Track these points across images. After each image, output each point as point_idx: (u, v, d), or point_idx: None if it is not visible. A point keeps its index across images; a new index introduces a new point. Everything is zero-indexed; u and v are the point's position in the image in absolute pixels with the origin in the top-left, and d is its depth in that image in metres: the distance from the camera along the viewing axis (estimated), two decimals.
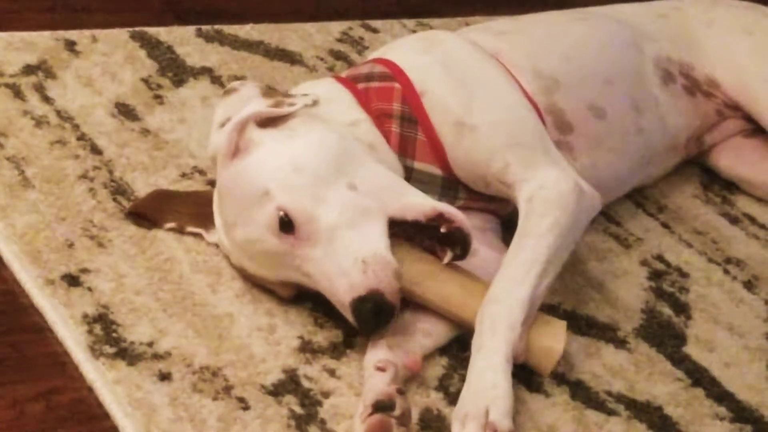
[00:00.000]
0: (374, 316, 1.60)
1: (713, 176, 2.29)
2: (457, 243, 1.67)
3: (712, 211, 2.20)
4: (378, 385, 1.59)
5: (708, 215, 2.19)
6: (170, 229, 1.86)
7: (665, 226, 2.13)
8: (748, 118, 2.22)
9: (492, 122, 1.82)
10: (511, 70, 1.94)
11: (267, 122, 1.74)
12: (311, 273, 1.65)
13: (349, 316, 1.62)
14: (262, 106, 1.75)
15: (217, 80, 2.29)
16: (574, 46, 2.07)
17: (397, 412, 1.55)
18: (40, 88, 2.16)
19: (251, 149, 1.71)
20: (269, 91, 1.84)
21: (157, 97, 2.21)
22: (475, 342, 1.64)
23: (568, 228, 1.74)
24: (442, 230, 1.66)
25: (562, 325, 1.69)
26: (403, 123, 1.82)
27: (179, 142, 2.09)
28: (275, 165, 1.68)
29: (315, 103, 1.78)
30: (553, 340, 1.67)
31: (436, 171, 1.83)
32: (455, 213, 1.67)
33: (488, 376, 1.59)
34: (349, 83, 1.88)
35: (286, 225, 1.64)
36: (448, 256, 1.69)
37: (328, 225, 1.64)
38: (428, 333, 1.73)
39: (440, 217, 1.67)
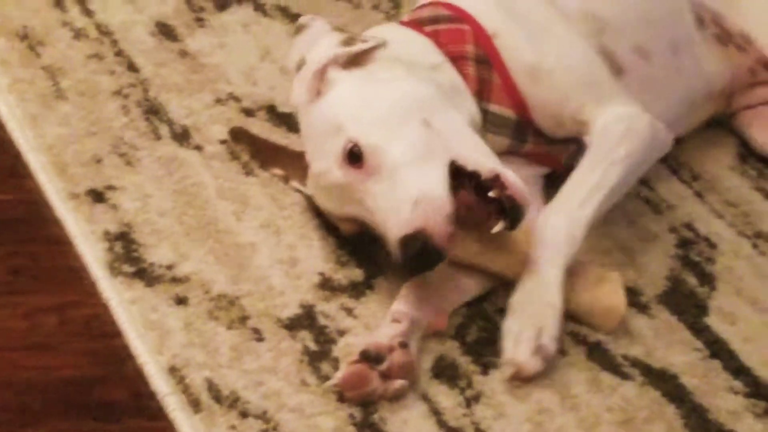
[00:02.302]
0: (418, 257, 1.55)
1: (751, 149, 2.26)
2: (508, 213, 1.61)
3: (747, 184, 2.17)
4: (380, 336, 1.59)
5: (742, 188, 2.15)
6: (276, 175, 1.85)
7: (698, 194, 2.09)
8: None
9: (565, 64, 1.82)
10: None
11: (348, 62, 1.72)
12: (371, 208, 1.62)
13: (396, 254, 1.58)
14: (334, 46, 1.72)
15: (260, 8, 2.26)
16: None
17: (383, 366, 1.55)
18: (81, 0, 2.15)
19: (330, 89, 1.70)
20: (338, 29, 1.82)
21: (199, 19, 2.19)
22: (536, 251, 1.66)
23: (639, 161, 1.77)
24: (491, 194, 1.60)
25: (617, 280, 1.72)
26: (479, 65, 1.80)
27: (217, 67, 2.07)
28: (351, 101, 1.67)
29: (384, 44, 1.75)
30: (613, 298, 1.71)
31: (510, 114, 1.81)
32: (513, 181, 1.61)
33: (546, 292, 1.63)
34: (417, 26, 1.85)
35: (355, 157, 1.62)
36: (498, 226, 1.61)
37: (393, 160, 1.61)
38: (462, 289, 1.72)
39: (496, 180, 1.61)
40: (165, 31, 2.13)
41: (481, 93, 1.79)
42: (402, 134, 1.63)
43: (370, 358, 1.55)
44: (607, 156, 1.75)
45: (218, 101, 1.99)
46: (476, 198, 1.62)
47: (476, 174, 1.62)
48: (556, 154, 1.89)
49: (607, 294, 1.71)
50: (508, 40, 1.81)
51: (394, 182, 1.60)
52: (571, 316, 1.70)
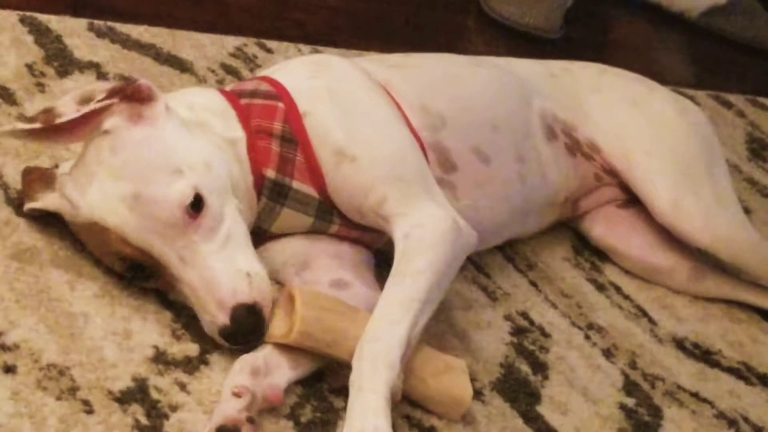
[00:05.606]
0: (252, 328, 1.64)
1: (585, 241, 2.31)
2: None
3: (580, 275, 2.22)
4: (228, 409, 1.56)
5: (576, 279, 2.20)
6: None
7: (533, 284, 2.13)
8: (624, 187, 2.25)
9: (373, 154, 1.81)
10: (398, 103, 1.93)
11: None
12: (190, 261, 1.64)
13: (218, 317, 1.64)
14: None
15: (103, 76, 2.24)
16: (465, 88, 2.08)
17: None
18: None
19: (155, 123, 1.70)
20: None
21: (39, 84, 2.15)
22: (355, 381, 1.60)
23: (445, 266, 1.73)
24: None
25: (462, 368, 1.71)
26: (283, 143, 1.80)
27: None
28: (188, 149, 1.70)
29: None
30: (460, 388, 1.70)
31: (313, 193, 1.81)
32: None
33: (370, 419, 1.54)
34: (233, 97, 1.85)
35: (195, 206, 1.64)
36: None
37: (228, 229, 1.67)
38: (294, 366, 1.69)
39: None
40: (4, 94, 2.08)
41: (284, 169, 1.80)
42: (228, 208, 1.70)
43: None
44: (411, 267, 1.71)
45: (56, 168, 1.95)
46: None
47: None
48: (367, 240, 1.90)
49: (453, 383, 1.70)
50: (319, 119, 1.81)
51: (225, 250, 1.66)
52: (413, 402, 1.70)
